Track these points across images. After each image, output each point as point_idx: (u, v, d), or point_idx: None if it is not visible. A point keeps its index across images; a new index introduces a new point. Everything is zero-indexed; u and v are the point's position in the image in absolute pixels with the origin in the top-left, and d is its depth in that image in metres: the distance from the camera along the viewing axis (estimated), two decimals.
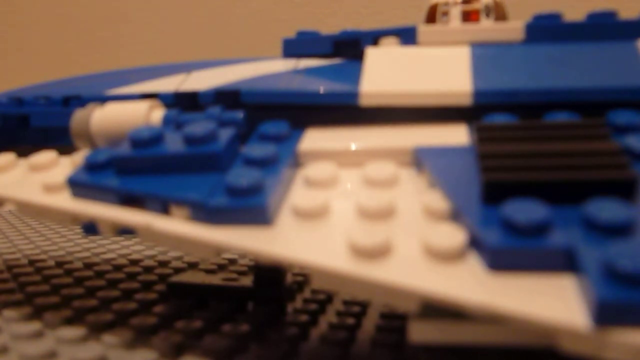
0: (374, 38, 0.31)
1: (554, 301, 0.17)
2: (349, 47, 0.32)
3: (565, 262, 0.18)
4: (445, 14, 0.32)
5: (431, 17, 0.33)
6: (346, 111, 0.27)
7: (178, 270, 0.41)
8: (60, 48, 1.14)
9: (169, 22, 1.08)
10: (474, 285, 0.18)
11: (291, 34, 0.34)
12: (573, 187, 0.20)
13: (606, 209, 0.18)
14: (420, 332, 0.19)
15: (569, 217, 0.19)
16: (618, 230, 0.18)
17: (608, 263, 0.16)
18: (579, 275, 0.17)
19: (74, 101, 0.33)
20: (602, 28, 0.29)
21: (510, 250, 0.18)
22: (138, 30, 1.10)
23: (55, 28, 1.15)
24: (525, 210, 0.19)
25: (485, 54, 0.29)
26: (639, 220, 0.18)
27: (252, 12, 1.03)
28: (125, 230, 0.24)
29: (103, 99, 0.31)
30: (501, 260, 0.18)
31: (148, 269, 0.41)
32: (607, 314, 0.16)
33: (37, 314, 0.31)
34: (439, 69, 0.28)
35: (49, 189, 0.26)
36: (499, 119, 0.25)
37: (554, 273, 0.18)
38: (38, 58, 1.15)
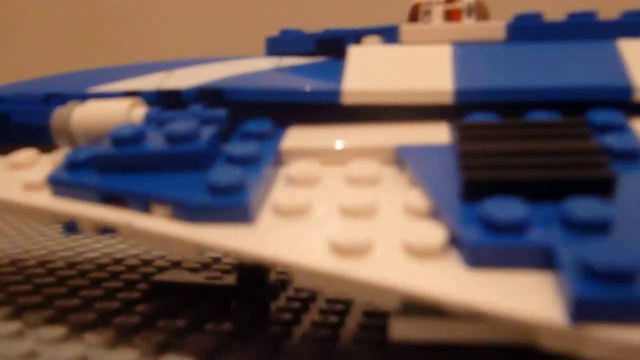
0: (357, 36, 0.31)
1: (532, 298, 0.17)
2: (332, 46, 0.32)
3: (543, 260, 0.18)
4: (428, 13, 0.32)
5: (414, 16, 0.33)
6: (328, 109, 0.27)
7: (161, 269, 0.41)
8: (60, 48, 1.13)
9: (154, 21, 1.07)
10: (453, 282, 0.18)
11: (274, 32, 0.34)
12: (552, 185, 0.20)
13: (584, 207, 0.18)
14: (400, 330, 0.19)
15: (548, 215, 0.19)
16: (595, 228, 0.18)
17: (584, 260, 0.16)
18: (556, 273, 0.18)
19: (54, 99, 0.32)
20: (582, 28, 0.29)
21: (489, 248, 0.18)
22: (123, 30, 1.09)
23: (55, 28, 1.13)
24: (504, 208, 0.19)
25: (466, 53, 0.29)
26: (616, 218, 0.18)
27: (236, 10, 1.03)
28: (107, 229, 0.24)
29: (84, 97, 0.31)
30: (480, 258, 0.18)
31: (131, 268, 0.41)
32: (583, 311, 0.16)
33: (18, 313, 0.31)
34: (421, 67, 0.28)
35: (29, 187, 0.26)
36: (480, 117, 0.25)
37: (532, 270, 0.18)
38: (38, 58, 1.13)
